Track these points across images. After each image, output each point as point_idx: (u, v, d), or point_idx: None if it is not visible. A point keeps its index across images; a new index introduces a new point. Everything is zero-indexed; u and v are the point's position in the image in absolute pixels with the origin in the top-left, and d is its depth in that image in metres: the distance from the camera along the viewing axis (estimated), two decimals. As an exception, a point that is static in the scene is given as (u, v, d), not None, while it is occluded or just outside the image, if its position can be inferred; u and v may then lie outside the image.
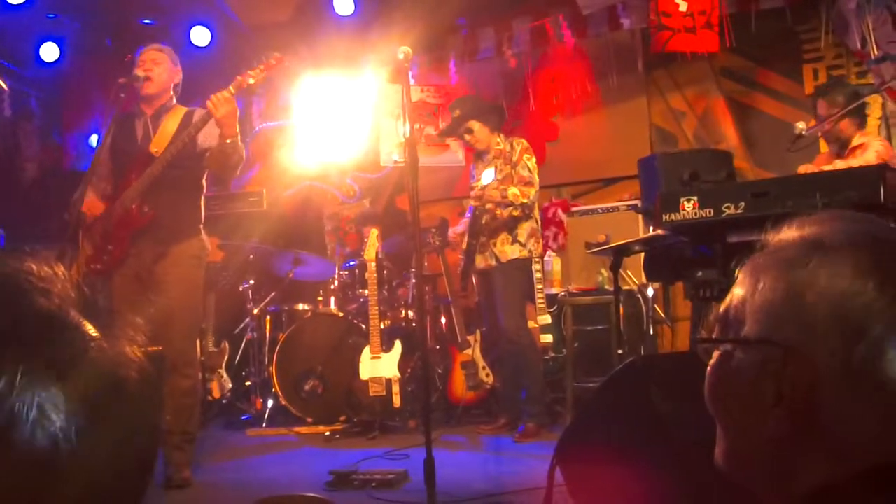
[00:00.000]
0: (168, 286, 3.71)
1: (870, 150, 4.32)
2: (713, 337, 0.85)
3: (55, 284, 0.60)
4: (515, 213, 4.73)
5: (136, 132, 3.85)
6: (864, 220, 0.79)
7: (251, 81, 3.77)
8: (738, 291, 0.82)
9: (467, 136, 4.95)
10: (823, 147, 4.88)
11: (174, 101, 3.93)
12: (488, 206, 4.77)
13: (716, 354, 0.83)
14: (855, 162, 4.28)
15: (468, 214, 5.03)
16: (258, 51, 3.92)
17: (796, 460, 0.74)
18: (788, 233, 0.81)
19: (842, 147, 4.45)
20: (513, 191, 4.69)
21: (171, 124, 3.84)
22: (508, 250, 4.77)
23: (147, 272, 3.75)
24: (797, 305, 0.75)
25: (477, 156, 5.07)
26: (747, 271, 0.81)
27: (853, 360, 0.70)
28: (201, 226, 3.93)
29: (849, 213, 0.80)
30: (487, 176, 4.85)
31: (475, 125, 4.89)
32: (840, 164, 4.26)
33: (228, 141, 3.68)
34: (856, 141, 4.41)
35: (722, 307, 0.85)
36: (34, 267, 0.60)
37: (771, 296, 0.77)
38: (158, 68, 3.85)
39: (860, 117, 4.47)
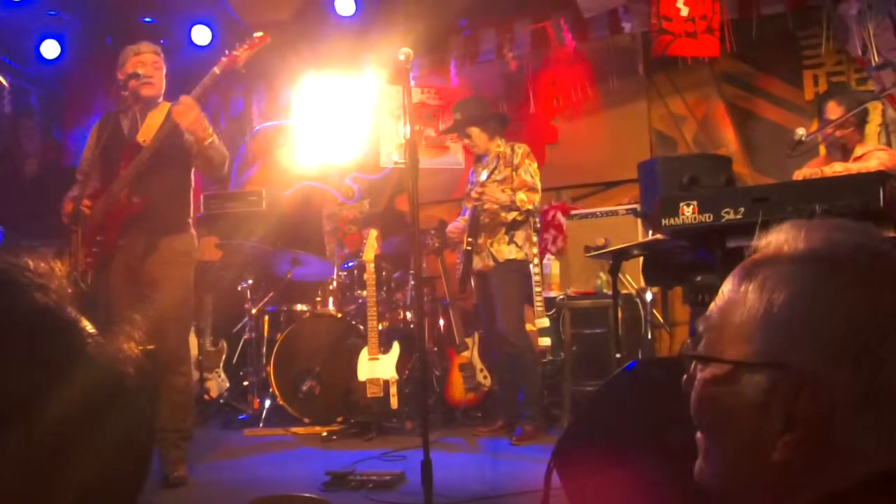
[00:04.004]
0: (160, 285, 3.71)
1: (872, 159, 4.28)
2: (702, 349, 0.80)
3: (52, 280, 0.60)
4: (519, 217, 4.76)
5: (121, 127, 3.87)
6: (863, 232, 0.76)
7: (237, 61, 3.80)
8: (746, 302, 0.76)
9: (465, 140, 5.02)
10: (822, 152, 4.86)
11: (160, 99, 3.95)
12: (487, 206, 4.76)
13: (708, 371, 0.78)
14: (856, 167, 4.25)
15: (465, 212, 5.04)
16: (260, 51, 3.92)
17: (801, 479, 0.71)
18: (794, 242, 0.77)
19: (844, 156, 4.43)
20: (521, 196, 4.72)
21: (157, 117, 3.86)
22: (505, 250, 4.79)
23: (138, 263, 3.74)
24: (817, 329, 0.71)
25: (476, 159, 5.11)
26: (756, 283, 0.76)
27: (874, 384, 0.68)
28: (191, 220, 3.93)
29: (847, 224, 0.77)
30: (482, 175, 4.88)
31: (474, 131, 4.94)
32: (838, 167, 4.23)
33: (207, 142, 3.71)
34: (858, 151, 4.38)
35: (715, 315, 0.80)
36: (31, 263, 0.60)
37: (787, 315, 0.72)
38: (158, 73, 3.89)
39: (862, 126, 4.44)
